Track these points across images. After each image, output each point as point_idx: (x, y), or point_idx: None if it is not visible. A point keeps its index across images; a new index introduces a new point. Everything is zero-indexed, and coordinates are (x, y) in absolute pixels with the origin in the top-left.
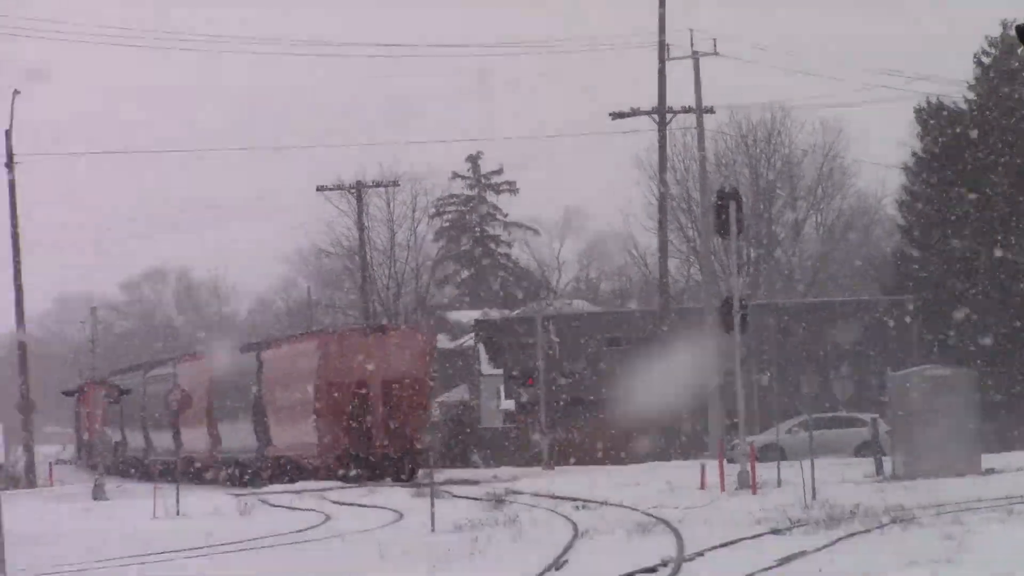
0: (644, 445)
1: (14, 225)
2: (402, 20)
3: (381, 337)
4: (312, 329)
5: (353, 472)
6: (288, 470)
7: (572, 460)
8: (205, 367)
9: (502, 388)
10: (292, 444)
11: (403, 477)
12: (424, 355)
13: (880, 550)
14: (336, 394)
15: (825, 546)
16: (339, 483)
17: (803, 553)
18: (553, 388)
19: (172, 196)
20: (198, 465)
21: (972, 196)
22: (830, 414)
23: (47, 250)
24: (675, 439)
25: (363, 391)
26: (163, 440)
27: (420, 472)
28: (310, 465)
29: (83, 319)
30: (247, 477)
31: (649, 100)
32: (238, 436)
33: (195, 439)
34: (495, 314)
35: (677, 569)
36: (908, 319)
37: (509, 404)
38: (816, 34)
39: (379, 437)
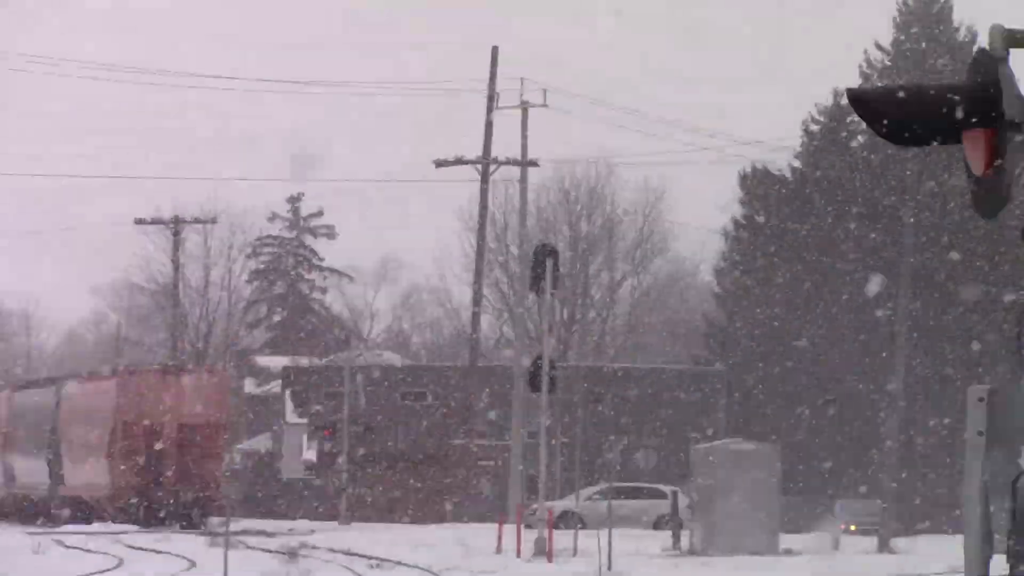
0: (444, 504)
1: None
2: (236, 52)
3: (179, 379)
4: (113, 367)
5: (142, 515)
6: (81, 510)
7: (370, 516)
8: (5, 399)
9: (305, 438)
10: (85, 483)
11: (194, 523)
12: (222, 399)
13: None
14: (131, 435)
15: None
16: (135, 527)
17: None
18: (355, 441)
19: None
20: None
21: (786, 267)
22: (632, 484)
23: None
24: (476, 499)
25: (158, 433)
26: None
27: (213, 519)
28: (101, 506)
29: None
30: (39, 516)
31: (477, 150)
32: (32, 472)
33: None
34: (304, 361)
35: None
36: (718, 389)
37: (311, 455)
38: (647, 93)
39: (171, 481)
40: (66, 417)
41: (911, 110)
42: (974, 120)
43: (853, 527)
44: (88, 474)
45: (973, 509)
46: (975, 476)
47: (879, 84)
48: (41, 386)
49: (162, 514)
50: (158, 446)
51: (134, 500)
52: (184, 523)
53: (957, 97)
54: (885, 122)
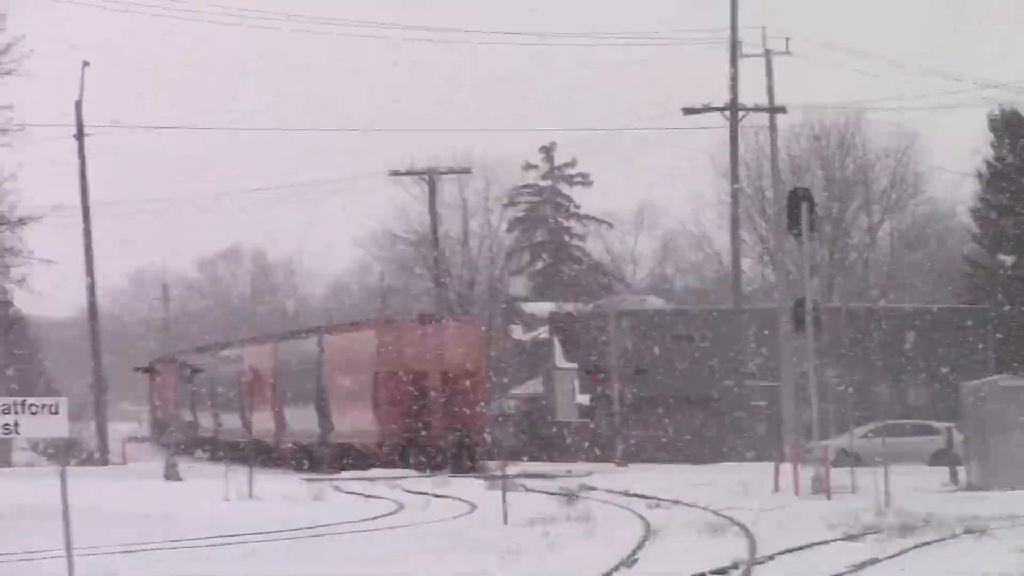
0: (718, 445)
1: (84, 199)
2: (483, 6)
3: (439, 328)
4: (371, 318)
5: (412, 461)
6: (351, 457)
7: (645, 458)
8: (271, 350)
9: (576, 382)
10: (353, 431)
11: (461, 467)
12: (480, 347)
13: (952, 560)
14: (395, 383)
15: (897, 554)
16: (413, 472)
17: (875, 560)
18: (626, 384)
19: (246, 174)
20: (267, 447)
21: None
22: (904, 421)
23: (122, 226)
24: (749, 440)
25: (422, 381)
26: (231, 421)
27: (490, 463)
28: (370, 452)
29: (157, 296)
30: (310, 462)
31: (721, 98)
32: (302, 421)
33: (262, 421)
34: (570, 307)
35: (748, 572)
36: (984, 328)
37: (584, 399)
38: (891, 36)
39: (438, 427)
40: (331, 367)
41: None
42: None
43: None
44: (356, 422)
45: None
46: None
47: None
48: (304, 337)
49: (429, 459)
50: (422, 393)
51: (401, 447)
52: (452, 468)
53: None
54: None
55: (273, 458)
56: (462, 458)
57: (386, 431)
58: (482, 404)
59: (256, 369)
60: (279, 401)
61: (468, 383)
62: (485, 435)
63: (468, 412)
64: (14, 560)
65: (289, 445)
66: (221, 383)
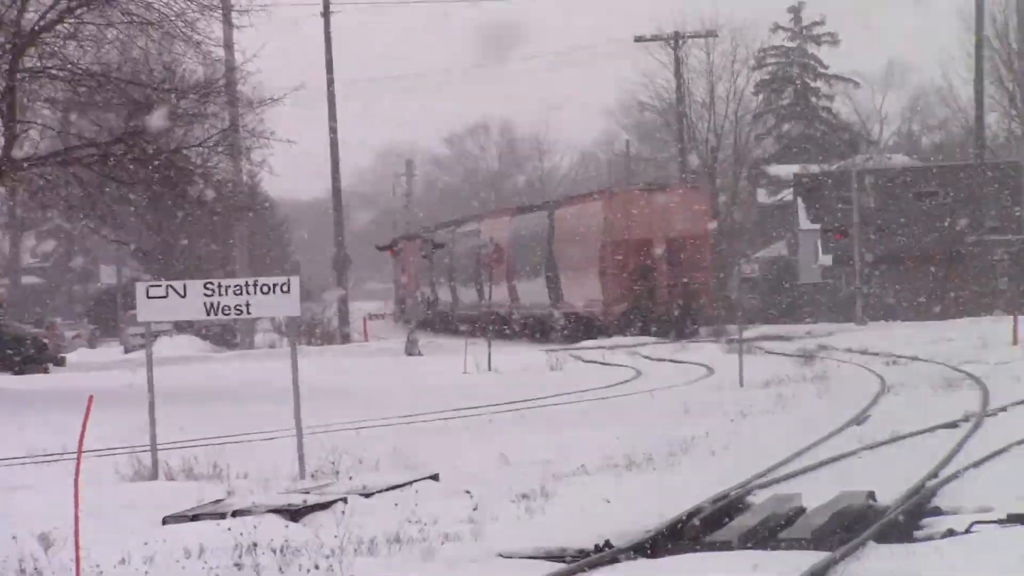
0: (960, 300)
1: (329, 76)
2: None
3: (663, 196)
4: (598, 189)
5: (637, 327)
6: (577, 326)
7: (887, 315)
8: (506, 224)
9: (819, 243)
10: (581, 300)
11: (686, 333)
12: (704, 213)
13: None
14: (620, 252)
15: None
16: (652, 339)
17: None
18: (868, 243)
19: (490, 47)
20: (503, 319)
21: None
22: None
23: (370, 103)
24: (993, 294)
25: (646, 249)
26: (469, 295)
27: (730, 327)
28: (597, 321)
29: (402, 173)
30: (541, 333)
31: None
32: (533, 293)
33: (497, 294)
34: (814, 169)
35: (978, 424)
36: None
37: (826, 259)
38: None
39: (662, 294)
40: (560, 239)
41: None
42: None
43: None
44: (583, 291)
45: None
46: None
47: None
48: (536, 211)
49: (654, 326)
50: (646, 261)
51: (627, 313)
52: (676, 333)
53: None
54: None
55: (511, 330)
56: (685, 323)
57: (611, 299)
58: (707, 269)
59: (492, 243)
60: (512, 274)
61: (692, 248)
62: (707, 299)
63: (694, 277)
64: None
65: (520, 317)
66: (459, 258)
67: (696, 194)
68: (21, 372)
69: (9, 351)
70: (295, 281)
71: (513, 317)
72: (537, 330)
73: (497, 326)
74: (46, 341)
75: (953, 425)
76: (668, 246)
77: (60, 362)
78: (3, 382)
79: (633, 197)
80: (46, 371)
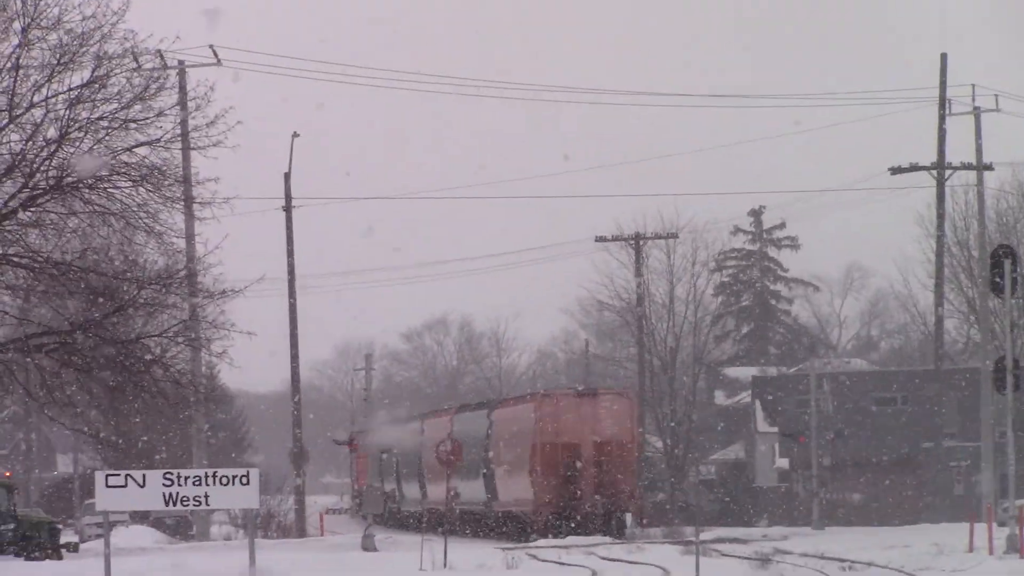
0: (915, 507)
1: (291, 271)
2: (688, 73)
3: (592, 400)
4: (532, 392)
5: (565, 529)
6: (511, 524)
7: (842, 521)
8: (447, 423)
9: (776, 446)
10: (514, 499)
11: (613, 532)
12: (632, 418)
13: None
14: (550, 453)
15: None
16: (607, 539)
17: None
18: (825, 448)
19: (451, 243)
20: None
21: None
22: None
23: (328, 297)
24: (948, 501)
25: (574, 451)
26: (412, 491)
27: (631, 530)
28: (528, 519)
29: (360, 367)
30: (476, 530)
31: (928, 156)
32: (472, 490)
33: (437, 492)
34: (772, 371)
35: None
36: None
37: (783, 463)
38: None
39: (589, 495)
40: (497, 438)
41: None
42: None
43: None
44: (516, 490)
45: None
46: None
47: None
48: (477, 409)
49: (580, 526)
50: (574, 463)
51: (555, 513)
52: (600, 533)
53: None
54: None
55: (458, 528)
56: (611, 524)
57: (540, 499)
58: (632, 472)
59: (434, 441)
60: (455, 470)
61: (619, 453)
62: (634, 502)
63: (620, 479)
64: None
65: (460, 513)
66: (406, 456)
67: (623, 400)
68: (36, 558)
69: (27, 536)
70: (254, 473)
71: (452, 514)
72: (477, 528)
73: (436, 522)
74: (59, 527)
75: None
76: (595, 449)
77: (74, 548)
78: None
79: (563, 401)
80: (60, 557)
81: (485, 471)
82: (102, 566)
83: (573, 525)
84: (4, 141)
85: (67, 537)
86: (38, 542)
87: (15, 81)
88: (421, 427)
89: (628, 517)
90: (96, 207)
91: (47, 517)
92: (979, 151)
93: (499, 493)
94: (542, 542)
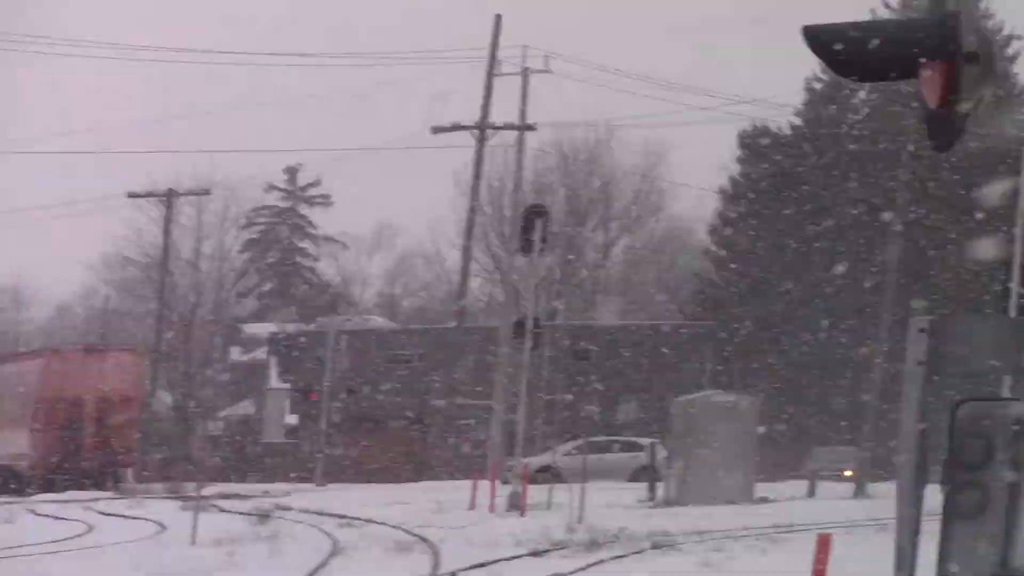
0: (424, 464)
1: None
2: (232, 24)
3: (100, 356)
4: (39, 348)
5: (61, 482)
6: (12, 479)
7: (349, 478)
8: None
9: (288, 402)
10: (12, 454)
11: (107, 486)
12: (138, 374)
13: (634, 574)
14: (51, 408)
15: (580, 569)
16: (109, 494)
17: None
18: (337, 404)
19: None
20: None
21: (780, 223)
22: (609, 438)
23: None
24: (457, 459)
25: (78, 407)
26: None
27: (128, 484)
28: (26, 474)
29: None
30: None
31: (475, 116)
32: None
33: None
34: (292, 328)
35: None
36: (705, 346)
37: (293, 419)
38: (649, 54)
39: (88, 450)
40: (1, 393)
41: (867, 43)
42: (930, 53)
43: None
44: (14, 445)
45: (908, 439)
46: (913, 406)
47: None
48: None
49: (77, 480)
50: (76, 419)
51: (53, 467)
52: (97, 487)
53: (915, 30)
54: (840, 55)
55: None
56: (106, 479)
57: (39, 454)
58: (134, 427)
59: None
60: None
61: (123, 409)
62: (131, 457)
63: (121, 435)
64: None
65: None
66: None
67: (132, 356)
68: None
69: None
70: None
71: None
72: None
73: None
74: None
75: None
76: (98, 405)
77: None
78: None
79: (70, 357)
80: None
81: None
82: None
83: (68, 480)
84: None
85: None
86: None
87: None
88: None
89: (127, 472)
90: None
91: None
92: (523, 111)
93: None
94: (40, 497)
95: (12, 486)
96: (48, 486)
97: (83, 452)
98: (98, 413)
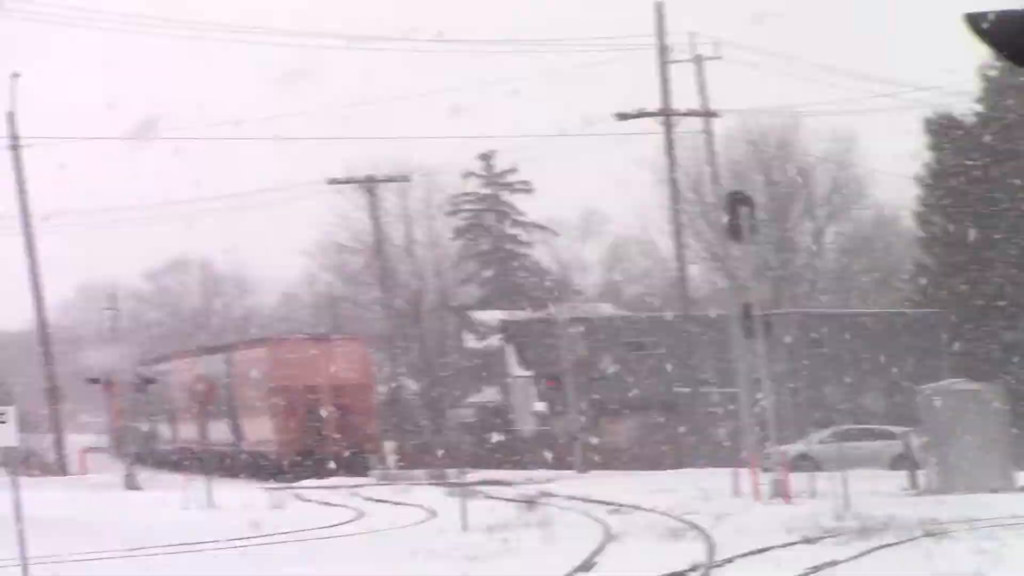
0: (677, 451)
1: (24, 210)
2: (405, 13)
3: (326, 344)
4: (266, 336)
5: (309, 466)
6: (262, 464)
7: (604, 465)
8: (191, 365)
9: (533, 390)
10: (257, 440)
11: (356, 472)
12: (366, 362)
13: (911, 562)
14: (286, 396)
15: (855, 556)
16: (372, 480)
17: (833, 563)
18: (582, 391)
19: (187, 183)
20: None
21: (983, 211)
22: (862, 426)
23: (66, 238)
24: (708, 446)
25: (312, 393)
26: (168, 431)
27: (451, 470)
28: (272, 460)
29: (106, 307)
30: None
31: (653, 104)
32: (218, 431)
33: (188, 431)
34: (521, 315)
35: (706, 575)
36: (938, 332)
37: (541, 406)
38: (817, 41)
39: (330, 436)
40: (237, 381)
41: None
42: None
43: None
44: (258, 432)
45: None
46: None
47: None
48: (217, 352)
49: (324, 466)
50: (313, 406)
51: (299, 454)
52: (344, 474)
53: None
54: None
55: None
56: (356, 465)
57: (283, 440)
58: (370, 414)
59: (182, 382)
60: (200, 413)
61: (357, 396)
62: (374, 444)
63: (358, 421)
64: None
65: (211, 454)
66: (161, 394)
67: (356, 345)
68: None
69: None
70: (11, 411)
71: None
72: (223, 466)
73: (188, 460)
74: None
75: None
76: (333, 392)
77: None
78: None
79: (297, 345)
80: None
81: (229, 413)
82: None
83: (315, 467)
84: None
85: None
86: None
87: None
88: (168, 369)
89: (374, 458)
90: None
91: None
92: (704, 97)
93: (245, 434)
94: (307, 482)
95: (265, 471)
96: (296, 472)
97: (326, 439)
98: (335, 400)
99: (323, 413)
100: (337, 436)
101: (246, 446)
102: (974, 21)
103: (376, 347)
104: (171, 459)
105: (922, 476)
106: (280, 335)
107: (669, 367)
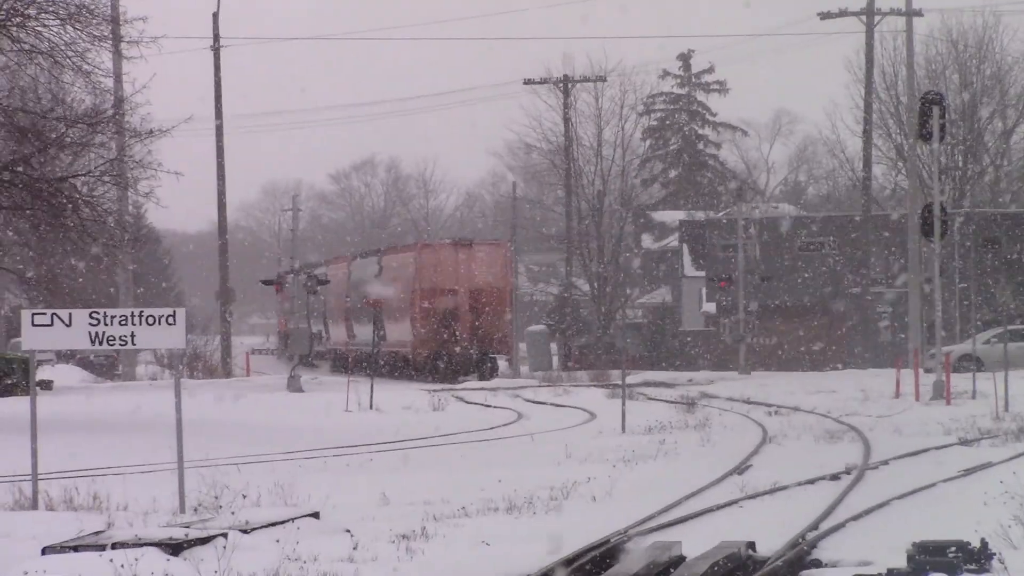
0: (842, 352)
1: (218, 109)
2: None
3: (469, 249)
4: (415, 241)
5: (441, 369)
6: (399, 364)
7: (768, 365)
8: (345, 269)
9: (703, 291)
10: (397, 341)
11: (484, 375)
12: (506, 266)
13: None
14: (429, 299)
15: (1011, 458)
16: (533, 382)
17: (988, 464)
18: (752, 292)
19: (379, 85)
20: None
21: None
22: None
23: (255, 139)
24: (874, 347)
25: (452, 297)
26: (336, 332)
27: (611, 372)
28: (408, 360)
29: (288, 208)
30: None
31: (857, 2)
32: (365, 331)
33: (338, 332)
34: (700, 215)
35: (860, 477)
36: None
37: (710, 307)
38: None
39: (464, 338)
40: (383, 284)
41: None
42: None
43: None
44: (399, 332)
45: None
46: None
47: None
48: (369, 256)
49: (455, 367)
50: (451, 308)
51: (433, 354)
52: (475, 375)
53: None
54: None
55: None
56: (484, 366)
57: (419, 341)
58: (505, 317)
59: (338, 285)
60: (351, 313)
61: (493, 300)
62: (506, 346)
63: (494, 325)
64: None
65: (357, 354)
66: (330, 297)
67: (498, 249)
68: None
69: (4, 373)
70: (181, 313)
71: (349, 353)
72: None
73: (339, 361)
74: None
75: (835, 477)
76: (471, 296)
77: (47, 386)
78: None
79: (442, 250)
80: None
81: (375, 314)
82: (85, 400)
83: (447, 366)
84: None
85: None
86: (15, 380)
87: None
88: (326, 271)
89: (501, 360)
90: (24, 44)
91: (18, 355)
92: None
93: (388, 335)
94: (468, 384)
95: (401, 371)
96: (427, 371)
97: (459, 340)
98: (471, 303)
99: (456, 313)
100: (469, 338)
101: (386, 347)
102: None
103: (551, 247)
104: (339, 361)
105: None
106: (427, 240)
107: (842, 267)
